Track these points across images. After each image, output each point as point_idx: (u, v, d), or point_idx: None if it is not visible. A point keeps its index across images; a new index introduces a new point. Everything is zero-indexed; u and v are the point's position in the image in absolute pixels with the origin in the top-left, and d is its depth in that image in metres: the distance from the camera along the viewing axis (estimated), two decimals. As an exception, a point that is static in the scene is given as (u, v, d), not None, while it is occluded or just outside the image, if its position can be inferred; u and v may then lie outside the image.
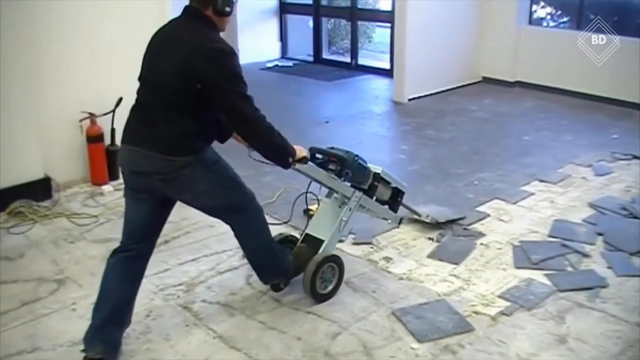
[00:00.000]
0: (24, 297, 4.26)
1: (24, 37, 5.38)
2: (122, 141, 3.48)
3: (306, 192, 4.34)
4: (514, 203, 5.65)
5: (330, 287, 4.19)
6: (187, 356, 3.70)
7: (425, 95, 9.12)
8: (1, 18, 5.20)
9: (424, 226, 5.18)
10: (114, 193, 5.92)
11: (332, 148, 4.18)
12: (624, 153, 6.83)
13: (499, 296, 4.23)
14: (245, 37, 11.38)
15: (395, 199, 4.58)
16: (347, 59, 11.51)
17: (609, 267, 4.57)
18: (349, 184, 4.18)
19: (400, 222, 4.84)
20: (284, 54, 12.24)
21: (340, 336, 3.85)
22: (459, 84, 9.76)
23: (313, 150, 4.13)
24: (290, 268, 4.06)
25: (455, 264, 4.63)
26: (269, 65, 11.42)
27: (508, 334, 3.85)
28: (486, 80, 10.01)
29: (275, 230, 4.34)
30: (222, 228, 5.08)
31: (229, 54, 3.26)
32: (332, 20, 12.30)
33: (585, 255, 4.73)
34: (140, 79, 3.47)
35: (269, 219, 4.15)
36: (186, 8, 3.39)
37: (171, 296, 4.27)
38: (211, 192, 3.50)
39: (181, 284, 4.41)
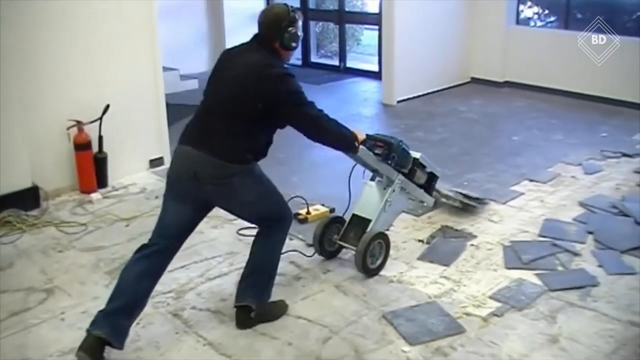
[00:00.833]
0: (13, 307, 4.22)
1: (11, 46, 5.34)
2: (181, 142, 3.71)
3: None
4: (504, 203, 5.64)
5: (378, 262, 4.50)
6: (177, 364, 3.68)
7: (414, 97, 9.12)
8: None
9: (414, 228, 5.19)
10: (102, 201, 5.89)
11: (378, 134, 4.49)
12: (614, 151, 6.83)
13: (490, 297, 4.21)
14: (233, 41, 11.23)
15: (430, 183, 4.85)
16: (336, 62, 11.51)
17: (599, 266, 4.56)
18: (392, 167, 4.46)
19: (435, 204, 5.17)
20: (272, 58, 12.09)
21: (331, 341, 3.83)
22: (448, 85, 9.76)
23: None
24: (265, 302, 4.01)
25: (445, 265, 4.62)
26: (258, 69, 11.35)
27: (500, 334, 3.84)
28: (475, 80, 10.01)
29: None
30: (212, 234, 5.13)
31: (288, 76, 3.61)
32: (321, 24, 12.27)
33: (576, 254, 4.72)
34: (207, 89, 3.77)
35: None
36: (257, 36, 3.75)
37: (161, 303, 4.23)
38: (256, 202, 3.76)
39: (171, 291, 4.38)
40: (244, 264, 4.07)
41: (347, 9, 11.23)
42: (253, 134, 3.62)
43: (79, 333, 3.65)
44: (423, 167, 4.74)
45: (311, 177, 6.37)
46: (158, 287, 4.29)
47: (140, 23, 6.27)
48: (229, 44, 11.10)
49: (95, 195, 5.97)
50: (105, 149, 6.08)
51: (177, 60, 10.02)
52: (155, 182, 6.26)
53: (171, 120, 8.10)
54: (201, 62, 10.93)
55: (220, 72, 3.75)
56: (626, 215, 5.28)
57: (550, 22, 9.87)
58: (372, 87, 9.97)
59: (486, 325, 3.93)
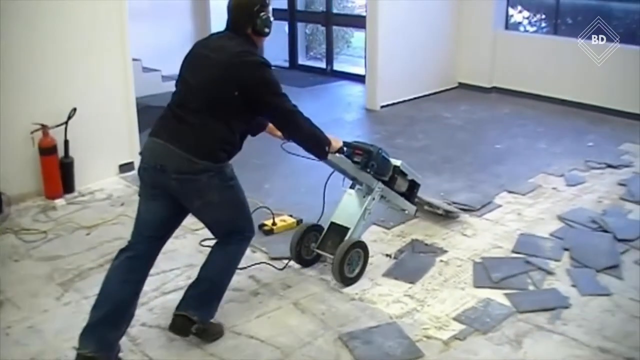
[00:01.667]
0: (-40, 320, 4.02)
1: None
2: (151, 134, 3.60)
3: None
4: (480, 216, 5.42)
5: (356, 271, 4.41)
6: (117, 386, 3.48)
7: (398, 102, 8.87)
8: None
9: (383, 242, 4.99)
10: (67, 207, 5.68)
11: (356, 142, 4.43)
12: (598, 161, 6.61)
13: (454, 318, 3.99)
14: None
15: (411, 190, 4.80)
16: (324, 65, 11.28)
17: (573, 286, 4.35)
18: (372, 175, 4.41)
19: (416, 213, 5.02)
20: (259, 60, 11.89)
21: (282, 364, 3.62)
22: (435, 90, 9.53)
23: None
24: (208, 319, 3.80)
25: (411, 283, 4.40)
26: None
27: (460, 360, 3.61)
28: (462, 86, 9.79)
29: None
30: (172, 245, 4.87)
31: (265, 65, 3.56)
32: (310, 25, 12.07)
33: (549, 272, 4.50)
34: (179, 81, 3.69)
35: None
36: (228, 24, 3.67)
37: (110, 319, 4.02)
38: (220, 206, 3.60)
39: (122, 305, 4.17)
40: None
41: (335, 11, 11.01)
42: (228, 125, 3.51)
43: (22, 350, 3.60)
44: (404, 174, 4.68)
45: (284, 185, 6.15)
46: None
47: (110, 24, 6.05)
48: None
49: (59, 202, 5.75)
50: (72, 153, 5.87)
51: (161, 61, 9.85)
52: (123, 188, 6.07)
53: (151, 122, 7.97)
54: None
55: (194, 62, 3.66)
56: (605, 231, 5.06)
57: (541, 27, 9.63)
58: (357, 91, 9.72)
59: (447, 349, 3.71)
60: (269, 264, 4.65)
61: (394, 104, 8.83)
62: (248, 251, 4.11)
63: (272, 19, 3.69)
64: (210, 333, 3.80)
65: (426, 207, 5.28)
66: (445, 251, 4.83)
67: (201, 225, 5.04)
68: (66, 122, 5.74)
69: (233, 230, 3.76)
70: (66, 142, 5.81)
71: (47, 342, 3.83)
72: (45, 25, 5.66)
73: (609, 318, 4.00)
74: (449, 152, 7.03)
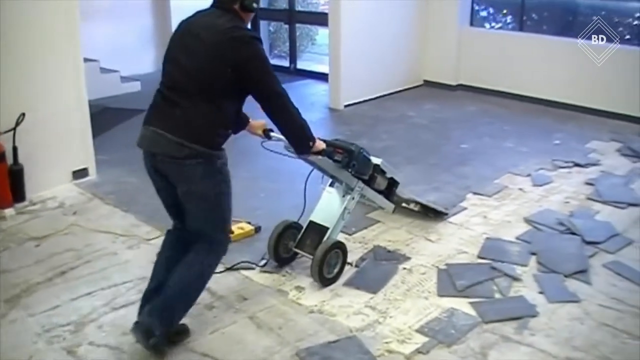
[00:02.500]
0: None
1: None
2: (144, 122, 3.56)
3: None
4: (444, 219, 5.25)
5: (335, 271, 4.35)
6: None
7: (363, 101, 8.67)
8: None
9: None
10: (16, 217, 5.42)
11: (337, 140, 4.39)
12: (566, 160, 6.49)
13: (417, 330, 3.81)
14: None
15: (390, 188, 4.73)
16: (287, 63, 11.05)
17: (540, 292, 4.19)
18: (352, 174, 4.35)
19: (394, 211, 4.91)
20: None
21: (235, 384, 3.43)
22: (400, 88, 9.35)
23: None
24: (170, 330, 3.67)
25: (373, 293, 4.22)
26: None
27: (423, 376, 3.44)
28: (428, 83, 9.63)
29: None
30: (126, 255, 4.74)
31: (256, 39, 3.48)
32: (274, 23, 11.84)
33: (516, 279, 4.34)
34: (168, 62, 3.57)
35: None
36: (215, 1, 3.56)
37: (56, 338, 3.81)
38: (203, 195, 3.54)
39: (69, 323, 3.95)
40: None
41: (298, 8, 10.80)
42: (220, 107, 3.46)
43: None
44: (383, 173, 4.62)
45: (242, 189, 5.76)
46: (56, 319, 4.00)
47: (59, 24, 5.78)
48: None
49: (8, 211, 5.48)
50: (22, 160, 5.61)
51: (120, 62, 9.63)
52: (77, 196, 5.82)
53: (110, 124, 7.78)
54: (147, 63, 10.51)
55: (183, 42, 3.53)
56: (573, 233, 4.92)
57: (507, 24, 9.50)
58: (321, 90, 9.49)
59: (409, 364, 3.54)
60: (251, 262, 4.59)
61: (358, 103, 8.63)
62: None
63: None
64: (177, 336, 3.78)
65: (404, 205, 5.20)
66: (409, 258, 4.66)
67: (155, 235, 5.00)
68: (14, 128, 5.49)
69: (203, 232, 3.65)
70: (15, 149, 5.55)
71: (-12, 364, 3.62)
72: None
73: (577, 326, 3.85)
74: (413, 152, 6.86)
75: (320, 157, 4.06)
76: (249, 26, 3.62)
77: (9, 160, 5.53)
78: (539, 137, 7.34)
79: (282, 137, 3.89)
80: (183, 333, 3.76)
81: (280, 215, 4.49)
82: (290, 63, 10.91)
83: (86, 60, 8.89)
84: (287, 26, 11.06)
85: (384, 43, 8.93)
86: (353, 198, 4.40)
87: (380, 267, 4.52)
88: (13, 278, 4.47)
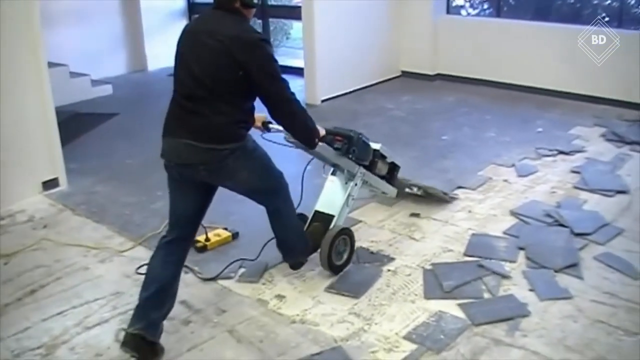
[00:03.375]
0: None
1: None
2: (165, 134, 3.60)
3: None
4: (428, 217, 5.07)
5: (344, 258, 4.35)
6: None
7: (340, 95, 8.46)
8: None
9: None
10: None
11: (336, 127, 4.33)
12: (549, 148, 6.34)
13: (405, 337, 3.62)
14: (153, 41, 10.63)
15: (392, 173, 4.75)
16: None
17: (531, 290, 4.02)
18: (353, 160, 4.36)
19: (397, 195, 4.93)
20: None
21: (215, 404, 3.24)
22: (377, 80, 9.16)
23: None
24: (310, 246, 4.22)
25: (356, 298, 4.03)
26: (179, 70, 10.64)
27: (412, 387, 3.26)
28: (405, 74, 9.45)
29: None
30: (98, 270, 4.56)
31: (265, 42, 3.49)
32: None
33: (505, 276, 4.17)
34: (178, 71, 3.59)
35: (151, 254, 3.82)
36: (215, 1, 3.55)
37: (27, 362, 3.61)
38: (250, 178, 3.70)
39: (41, 346, 3.74)
40: (128, 307, 3.74)
41: (271, 2, 10.58)
42: (239, 106, 3.53)
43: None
44: (384, 157, 4.64)
45: (224, 192, 5.67)
46: (27, 342, 3.79)
47: (18, 29, 5.53)
48: (148, 45, 10.57)
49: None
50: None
51: (89, 65, 9.41)
52: (47, 208, 5.60)
53: (81, 131, 7.56)
54: (118, 65, 10.34)
55: (192, 50, 3.53)
56: (562, 225, 4.76)
57: (483, 9, 9.34)
58: (298, 85, 9.13)
59: (397, 375, 3.35)
60: (244, 259, 4.53)
61: (335, 97, 8.42)
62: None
63: None
64: (312, 249, 4.26)
65: (407, 190, 5.18)
66: (393, 259, 4.48)
67: (128, 246, 4.81)
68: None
69: (269, 192, 3.90)
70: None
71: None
72: None
73: (570, 325, 3.68)
74: (393, 146, 6.52)
75: (320, 144, 4.02)
76: (256, 26, 3.56)
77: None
78: (520, 125, 7.18)
79: (281, 129, 3.95)
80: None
81: (259, 221, 4.28)
82: (265, 59, 10.65)
83: (54, 65, 8.74)
84: (260, 21, 10.83)
85: (360, 35, 8.73)
86: (356, 184, 4.41)
87: (363, 270, 4.34)
88: (-21, 300, 4.25)
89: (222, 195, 3.83)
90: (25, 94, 5.68)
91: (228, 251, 4.67)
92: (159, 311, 3.58)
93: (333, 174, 4.49)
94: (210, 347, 3.67)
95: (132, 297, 3.91)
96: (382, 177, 4.68)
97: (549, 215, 4.90)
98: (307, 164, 4.47)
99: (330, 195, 4.45)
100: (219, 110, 3.45)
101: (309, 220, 4.44)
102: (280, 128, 3.94)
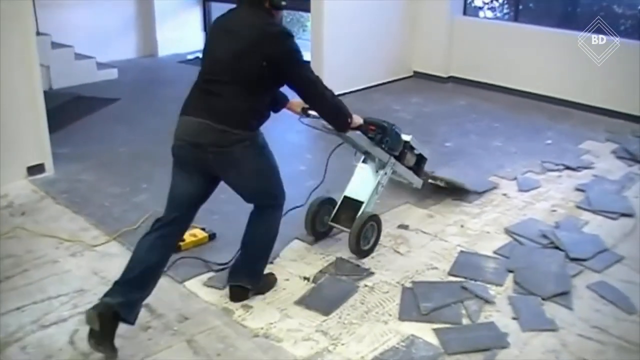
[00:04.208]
0: None
1: None
2: (183, 113, 3.66)
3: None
4: (417, 229, 4.81)
5: (370, 244, 4.47)
6: None
7: (347, 93, 8.05)
8: None
9: (303, 261, 4.39)
10: None
11: (370, 117, 4.40)
12: (556, 162, 6.03)
13: (371, 362, 3.37)
14: (165, 26, 10.44)
15: (419, 165, 4.85)
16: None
17: (514, 318, 3.75)
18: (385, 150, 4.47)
19: (423, 186, 5.03)
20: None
21: None
22: (388, 80, 8.87)
23: None
24: (263, 283, 4.07)
25: (326, 314, 3.78)
26: (190, 57, 10.40)
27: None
28: (418, 75, 9.14)
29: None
30: (67, 264, 4.39)
31: (288, 35, 3.62)
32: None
33: (488, 301, 3.89)
34: (205, 57, 3.76)
35: (124, 251, 4.03)
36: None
37: (-25, 361, 3.41)
38: (254, 174, 3.71)
39: (-8, 343, 3.54)
40: (89, 306, 3.42)
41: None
42: (256, 95, 3.60)
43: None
44: (413, 149, 4.74)
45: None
46: None
47: (8, 10, 5.32)
48: (160, 30, 10.33)
49: None
50: None
51: (97, 47, 9.23)
52: (29, 194, 5.42)
53: (80, 114, 7.42)
54: (127, 49, 10.16)
55: (219, 38, 3.71)
56: (557, 248, 4.48)
57: (501, 13, 9.02)
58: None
59: (357, 405, 3.10)
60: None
61: (341, 94, 7.97)
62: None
63: None
64: (266, 287, 4.07)
65: (430, 181, 5.27)
66: (372, 273, 4.22)
67: (102, 241, 4.62)
68: None
69: (266, 198, 3.86)
70: None
71: None
72: None
73: (552, 360, 3.41)
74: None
75: (357, 132, 4.18)
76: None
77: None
78: (529, 135, 6.87)
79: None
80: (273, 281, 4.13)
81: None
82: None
83: (59, 45, 8.63)
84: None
85: (371, 30, 8.42)
86: (386, 173, 4.52)
87: (338, 284, 4.08)
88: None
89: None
90: (12, 76, 5.47)
91: (202, 253, 4.45)
92: (139, 292, 3.56)
93: (364, 161, 4.63)
94: (165, 358, 3.45)
95: (95, 296, 3.71)
96: (409, 168, 4.77)
97: (544, 236, 4.61)
98: (335, 148, 4.51)
99: (360, 182, 4.59)
100: (237, 94, 3.54)
101: (337, 205, 4.60)
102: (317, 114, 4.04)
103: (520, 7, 8.59)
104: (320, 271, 4.23)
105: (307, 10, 8.67)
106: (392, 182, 4.81)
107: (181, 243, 4.43)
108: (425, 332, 3.61)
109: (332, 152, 4.53)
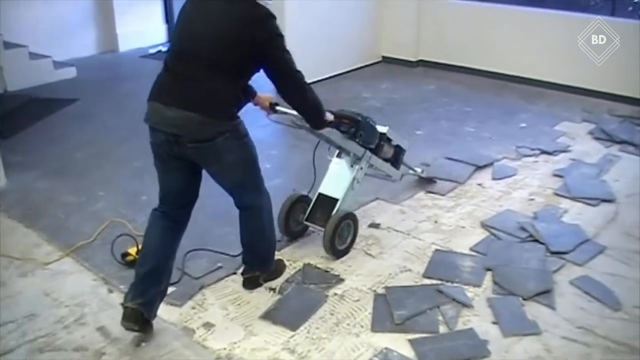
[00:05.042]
0: None
1: None
2: (154, 98, 3.38)
3: None
4: (388, 227, 4.56)
5: (347, 243, 4.29)
6: None
7: (315, 82, 7.73)
8: None
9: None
10: None
11: (342, 110, 4.23)
12: (532, 147, 5.81)
13: (342, 382, 3.13)
14: (125, 20, 10.04)
15: (397, 156, 4.66)
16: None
17: (494, 323, 3.51)
18: (360, 144, 4.27)
19: (401, 178, 4.83)
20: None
21: None
22: (356, 66, 8.58)
23: None
24: (273, 266, 3.99)
25: (293, 330, 3.52)
26: (152, 51, 10.03)
27: None
28: (386, 60, 8.86)
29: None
30: (17, 286, 4.11)
31: (273, 17, 3.37)
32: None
33: (466, 305, 3.65)
34: (177, 35, 3.47)
35: (77, 268, 3.86)
36: None
37: None
38: (236, 165, 3.52)
39: None
40: (38, 334, 3.40)
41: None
42: (235, 80, 3.38)
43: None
44: (390, 141, 4.56)
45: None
46: None
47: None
48: (120, 23, 9.92)
49: None
50: None
51: (53, 46, 8.84)
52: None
53: (34, 118, 7.13)
54: (86, 46, 9.71)
55: (197, 14, 3.42)
56: (537, 241, 4.25)
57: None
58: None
59: None
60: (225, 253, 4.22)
61: (310, 83, 7.79)
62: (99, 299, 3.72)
63: None
64: (277, 273, 4.02)
65: (410, 172, 5.09)
66: (342, 280, 3.96)
67: (55, 257, 4.34)
68: None
69: (250, 187, 3.69)
70: None
71: None
72: None
73: (536, 369, 3.18)
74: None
75: (329, 129, 3.97)
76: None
77: None
78: (503, 118, 6.65)
79: (288, 110, 3.88)
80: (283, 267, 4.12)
81: (203, 225, 3.79)
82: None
83: (12, 45, 8.26)
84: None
85: (337, 16, 8.10)
86: (361, 168, 4.33)
87: (306, 294, 3.83)
88: None
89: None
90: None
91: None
92: (156, 287, 3.50)
93: (338, 156, 4.44)
94: (119, 389, 3.19)
95: (45, 322, 3.55)
96: (387, 160, 4.58)
97: (523, 229, 4.39)
98: (317, 144, 4.30)
99: (335, 178, 4.38)
100: (215, 78, 3.29)
101: (312, 203, 4.38)
102: (287, 110, 3.88)
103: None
104: (287, 280, 3.97)
105: (268, -3, 8.37)
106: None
107: (129, 258, 4.18)
108: (400, 343, 3.37)
109: (316, 147, 4.32)
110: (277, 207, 4.18)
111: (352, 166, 4.35)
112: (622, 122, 6.37)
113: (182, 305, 3.76)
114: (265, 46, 3.34)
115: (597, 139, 6.02)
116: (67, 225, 4.79)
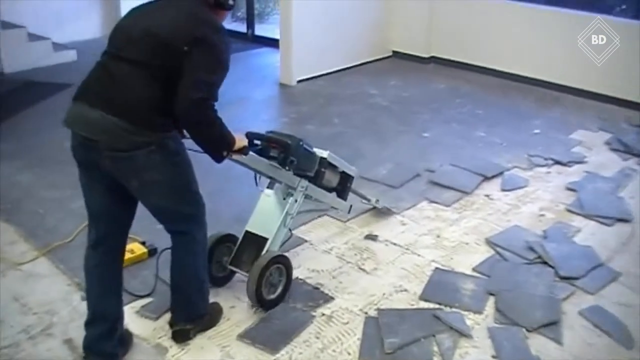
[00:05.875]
0: None
1: None
2: (76, 97, 2.97)
3: None
4: (386, 240, 4.25)
5: (278, 291, 3.62)
6: None
7: (319, 76, 7.58)
8: None
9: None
10: None
11: (272, 132, 3.78)
12: (545, 157, 5.50)
13: (323, 419, 2.84)
14: (130, 1, 9.74)
15: (344, 184, 4.14)
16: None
17: (494, 357, 3.20)
18: (293, 172, 3.69)
19: (350, 210, 4.27)
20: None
21: None
22: (365, 60, 8.29)
23: (250, 136, 3.62)
24: (207, 314, 3.43)
25: (273, 353, 3.22)
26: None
27: None
28: (397, 55, 8.58)
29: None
30: None
31: (223, 32, 3.02)
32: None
33: (465, 335, 3.34)
34: (115, 31, 3.08)
35: (52, 270, 3.62)
36: None
37: None
38: (160, 187, 3.03)
39: None
40: (3, 342, 3.17)
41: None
42: (165, 86, 2.90)
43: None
44: (333, 167, 4.00)
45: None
46: None
47: None
48: (125, 6, 9.70)
49: None
50: None
51: (54, 27, 8.67)
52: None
53: (30, 102, 6.93)
54: (89, 28, 9.48)
55: (140, 14, 3.07)
56: (545, 263, 3.94)
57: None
58: (277, 61, 8.34)
59: None
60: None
61: (313, 77, 7.55)
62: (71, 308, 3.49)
63: None
64: (212, 322, 3.47)
65: (364, 202, 4.56)
66: (332, 298, 3.66)
67: (29, 258, 4.07)
68: None
69: (177, 220, 3.20)
70: None
71: None
72: None
73: (537, 413, 2.88)
74: (365, 142, 5.81)
75: (244, 155, 3.28)
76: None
77: None
78: (515, 124, 6.33)
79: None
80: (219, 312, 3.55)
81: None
82: (248, 29, 9.77)
83: (10, 25, 8.01)
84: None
85: (346, 7, 7.83)
86: (296, 200, 3.72)
87: (291, 314, 3.52)
88: None
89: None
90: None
91: (139, 273, 3.89)
92: (111, 342, 3.16)
93: (270, 187, 3.77)
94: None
95: (12, 329, 3.33)
96: (332, 189, 4.06)
97: (531, 249, 4.08)
98: (256, 175, 3.71)
99: (265, 213, 3.72)
100: (143, 80, 2.90)
101: (238, 243, 3.72)
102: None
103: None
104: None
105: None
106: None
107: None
108: (388, 376, 3.08)
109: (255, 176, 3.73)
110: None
111: (284, 199, 3.75)
112: (640, 132, 6.05)
113: (157, 318, 3.49)
114: (197, 50, 2.89)
115: (614, 150, 5.71)
116: (45, 222, 4.53)
